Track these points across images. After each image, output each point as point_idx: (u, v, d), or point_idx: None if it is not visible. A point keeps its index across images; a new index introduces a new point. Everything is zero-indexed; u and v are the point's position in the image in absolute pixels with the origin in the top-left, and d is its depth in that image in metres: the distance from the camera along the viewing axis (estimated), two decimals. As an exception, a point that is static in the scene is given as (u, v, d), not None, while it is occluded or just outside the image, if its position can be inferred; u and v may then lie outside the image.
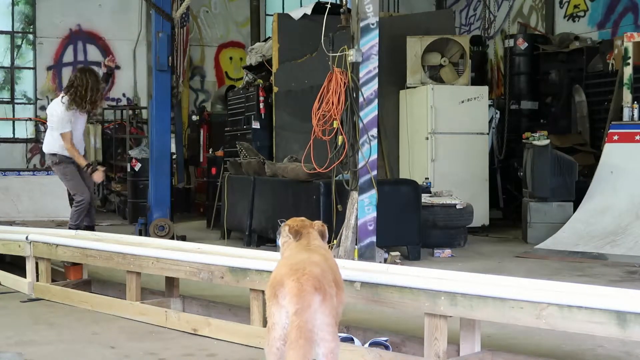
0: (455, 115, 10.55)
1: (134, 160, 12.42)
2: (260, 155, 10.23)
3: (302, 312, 2.86)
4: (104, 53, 15.59)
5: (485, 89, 11.17)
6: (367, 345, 4.31)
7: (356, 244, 7.20)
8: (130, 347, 4.58)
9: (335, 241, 7.28)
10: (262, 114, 11.38)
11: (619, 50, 11.03)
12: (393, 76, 10.81)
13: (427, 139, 10.49)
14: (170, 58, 9.82)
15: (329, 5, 7.98)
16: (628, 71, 9.53)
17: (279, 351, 2.92)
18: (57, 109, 7.36)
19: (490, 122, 11.97)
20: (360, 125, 7.16)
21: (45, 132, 15.21)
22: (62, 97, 7.38)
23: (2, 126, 15.07)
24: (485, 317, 3.68)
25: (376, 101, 7.29)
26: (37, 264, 6.13)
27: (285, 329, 2.90)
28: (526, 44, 13.26)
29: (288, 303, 2.89)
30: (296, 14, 11.63)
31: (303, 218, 3.52)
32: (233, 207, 10.08)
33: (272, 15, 12.93)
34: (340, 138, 7.31)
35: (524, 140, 10.45)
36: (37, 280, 6.12)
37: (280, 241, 3.46)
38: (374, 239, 7.30)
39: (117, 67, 7.76)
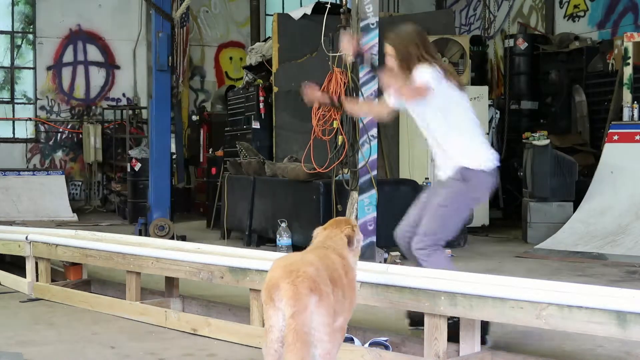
0: (455, 115, 10.52)
1: (133, 160, 12.41)
2: (260, 155, 10.23)
3: (299, 315, 2.86)
4: (104, 53, 15.60)
5: (485, 89, 11.15)
6: (367, 345, 4.31)
7: (356, 244, 7.18)
8: (130, 347, 4.58)
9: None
10: (262, 114, 11.35)
11: (619, 50, 11.02)
12: (393, 76, 10.78)
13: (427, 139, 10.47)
14: (170, 58, 9.81)
15: (329, 5, 7.98)
16: (628, 71, 9.53)
17: (277, 353, 2.92)
18: None
19: (490, 122, 11.97)
20: (360, 125, 7.16)
21: (45, 132, 15.33)
22: None
23: (2, 126, 15.04)
24: (485, 317, 3.68)
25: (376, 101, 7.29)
26: (37, 264, 6.13)
27: (283, 331, 2.90)
28: (526, 44, 13.25)
29: (284, 306, 2.89)
30: (296, 14, 11.61)
31: (339, 218, 3.56)
32: (233, 207, 10.07)
33: (272, 15, 12.90)
34: (340, 138, 7.30)
35: (524, 140, 10.44)
36: (37, 280, 6.12)
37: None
38: (374, 239, 7.30)
39: None
